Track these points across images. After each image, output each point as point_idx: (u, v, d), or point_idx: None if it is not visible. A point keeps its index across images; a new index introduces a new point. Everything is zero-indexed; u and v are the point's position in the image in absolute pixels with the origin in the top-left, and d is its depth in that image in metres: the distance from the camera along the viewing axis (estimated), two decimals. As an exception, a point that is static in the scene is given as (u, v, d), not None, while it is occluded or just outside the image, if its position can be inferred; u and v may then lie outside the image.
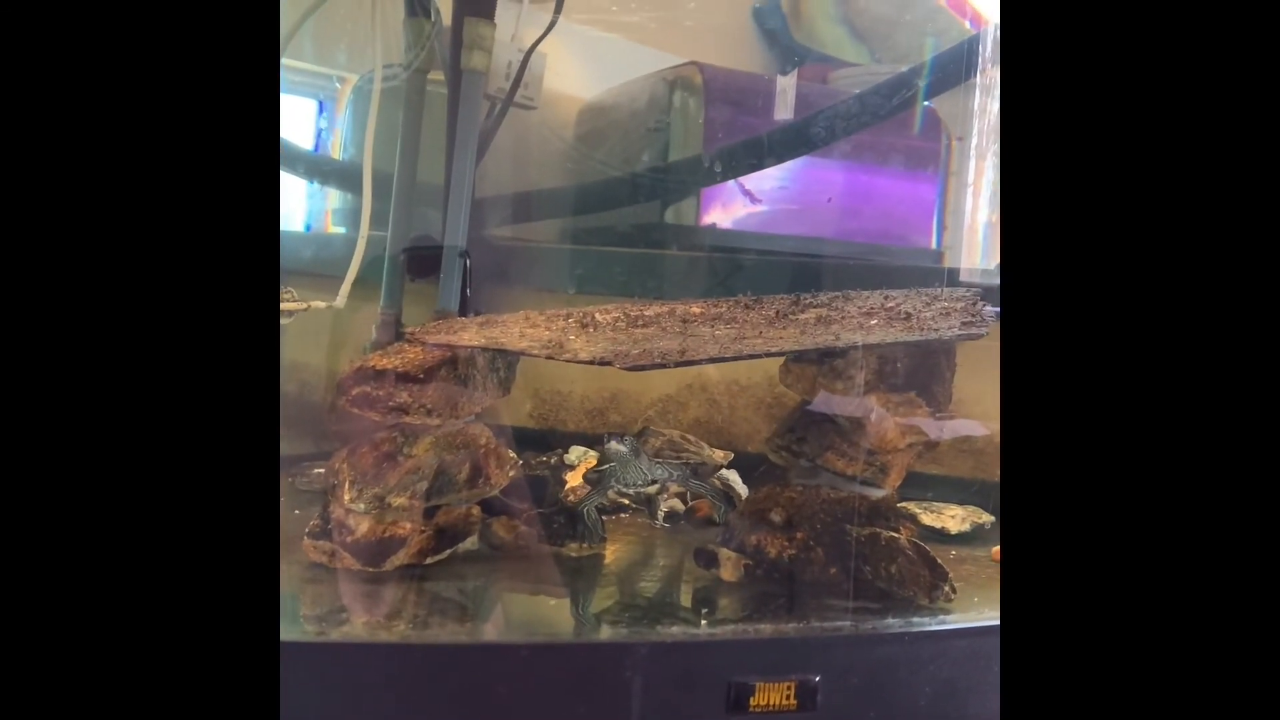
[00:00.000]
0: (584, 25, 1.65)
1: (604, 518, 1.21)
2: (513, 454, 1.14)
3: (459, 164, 1.35)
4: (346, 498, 1.02)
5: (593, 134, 1.77)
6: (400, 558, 1.02)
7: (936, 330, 0.97)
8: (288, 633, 0.77)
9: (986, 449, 1.39)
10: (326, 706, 0.81)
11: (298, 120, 1.75)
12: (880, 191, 1.71)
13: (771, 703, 0.85)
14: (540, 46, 1.49)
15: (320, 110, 1.77)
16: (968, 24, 1.66)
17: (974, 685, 0.91)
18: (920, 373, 1.08)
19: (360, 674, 0.83)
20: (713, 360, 0.94)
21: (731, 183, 1.60)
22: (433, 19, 1.40)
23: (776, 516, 1.06)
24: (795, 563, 1.03)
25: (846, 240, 1.71)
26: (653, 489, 1.27)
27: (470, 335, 1.10)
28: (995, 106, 1.44)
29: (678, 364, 0.91)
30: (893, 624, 0.94)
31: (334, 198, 1.79)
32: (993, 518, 1.31)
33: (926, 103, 1.55)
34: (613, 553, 1.17)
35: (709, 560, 1.07)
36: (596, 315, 1.13)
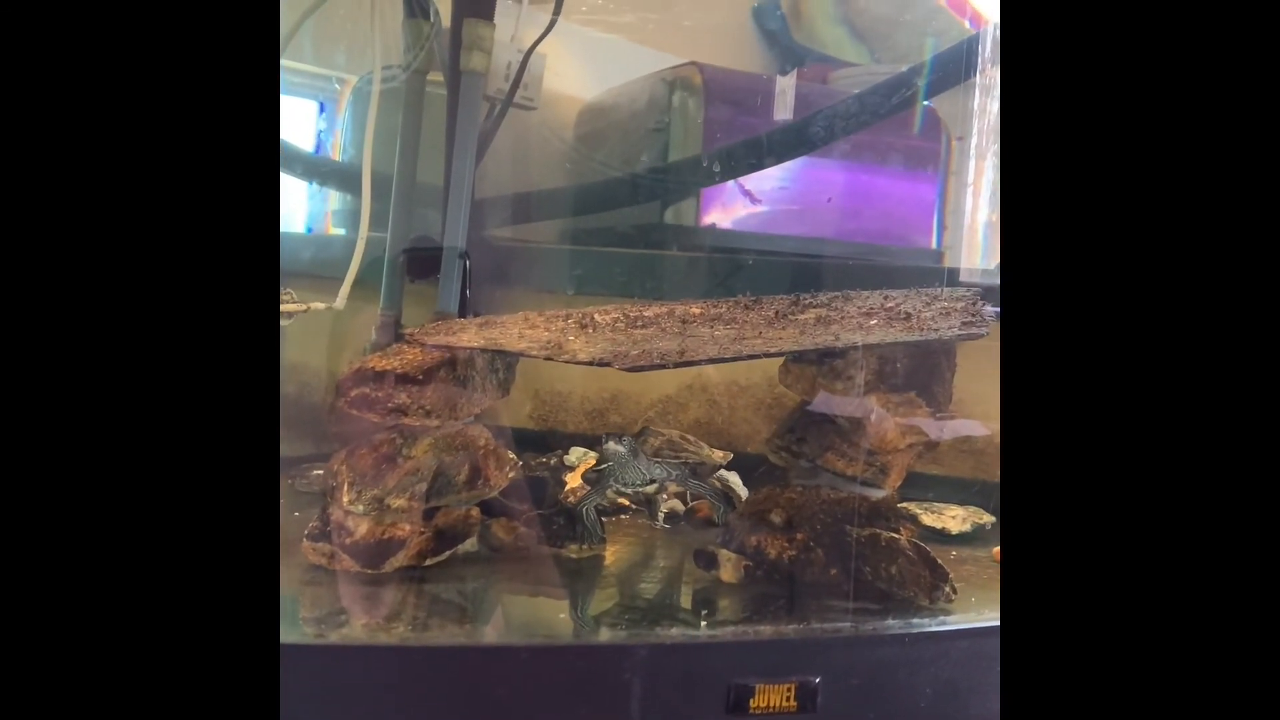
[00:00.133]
0: (583, 26, 1.65)
1: (603, 519, 1.21)
2: (512, 455, 1.14)
3: (458, 165, 1.35)
4: (345, 499, 1.02)
5: (592, 134, 1.77)
6: (399, 559, 1.02)
7: (936, 330, 0.97)
8: (287, 635, 0.77)
9: (987, 449, 1.39)
10: (326, 709, 0.81)
11: (298, 121, 1.74)
12: (880, 191, 1.71)
13: (772, 704, 0.85)
14: (540, 47, 1.48)
15: (320, 111, 1.77)
16: (967, 24, 1.66)
17: (974, 686, 0.91)
18: (920, 373, 1.08)
19: (360, 676, 0.83)
20: (712, 361, 0.94)
21: (731, 183, 1.60)
22: (432, 20, 1.40)
23: (776, 517, 1.06)
24: (795, 564, 1.03)
25: (846, 240, 1.70)
26: (651, 489, 1.26)
27: (469, 336, 1.10)
28: (995, 106, 1.44)
29: (677, 365, 0.91)
30: (893, 625, 0.94)
31: (334, 199, 1.79)
32: (993, 518, 1.31)
33: (926, 102, 1.55)
34: (612, 554, 1.17)
35: (709, 561, 1.07)
36: (596, 316, 1.13)
